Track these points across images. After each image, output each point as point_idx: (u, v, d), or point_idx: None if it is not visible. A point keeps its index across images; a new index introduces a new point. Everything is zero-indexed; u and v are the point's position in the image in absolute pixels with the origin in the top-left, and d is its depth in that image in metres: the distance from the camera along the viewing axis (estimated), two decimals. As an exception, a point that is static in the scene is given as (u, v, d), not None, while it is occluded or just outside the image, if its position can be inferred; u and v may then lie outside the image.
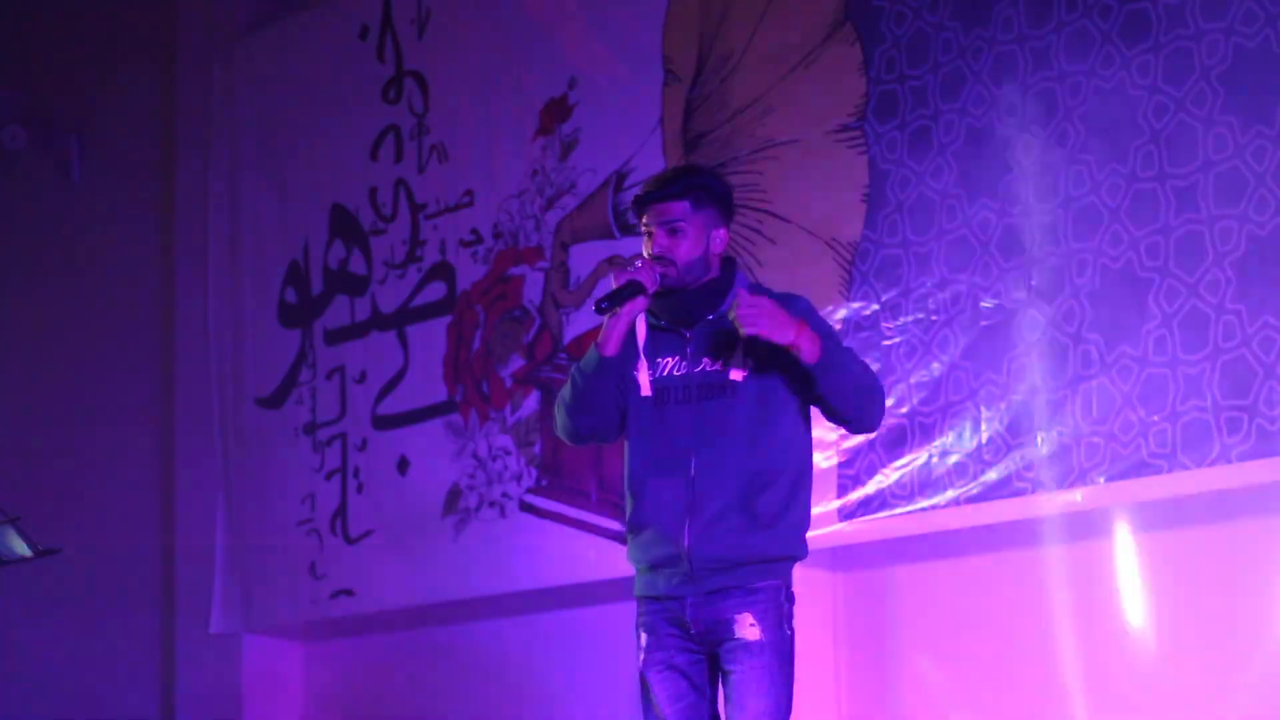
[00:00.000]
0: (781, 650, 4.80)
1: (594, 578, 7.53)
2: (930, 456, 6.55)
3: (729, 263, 4.98)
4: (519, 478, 7.75)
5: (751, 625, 4.78)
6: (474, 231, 8.04)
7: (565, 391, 4.95)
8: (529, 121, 7.86)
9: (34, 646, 9.17)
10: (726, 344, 4.86)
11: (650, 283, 4.83)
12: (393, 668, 8.45)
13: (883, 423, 6.58)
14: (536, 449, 7.71)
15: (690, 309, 4.91)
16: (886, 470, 6.62)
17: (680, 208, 4.88)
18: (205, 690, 8.81)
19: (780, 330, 4.72)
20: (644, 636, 4.92)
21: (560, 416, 4.97)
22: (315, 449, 8.52)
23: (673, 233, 4.88)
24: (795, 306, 4.85)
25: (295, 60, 8.79)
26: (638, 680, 4.95)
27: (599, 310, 4.83)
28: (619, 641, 7.65)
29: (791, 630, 4.83)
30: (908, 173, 6.69)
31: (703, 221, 4.90)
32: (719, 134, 7.19)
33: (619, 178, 7.55)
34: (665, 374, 4.91)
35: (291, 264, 8.69)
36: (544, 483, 7.68)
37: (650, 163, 7.42)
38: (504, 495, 7.78)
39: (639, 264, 4.86)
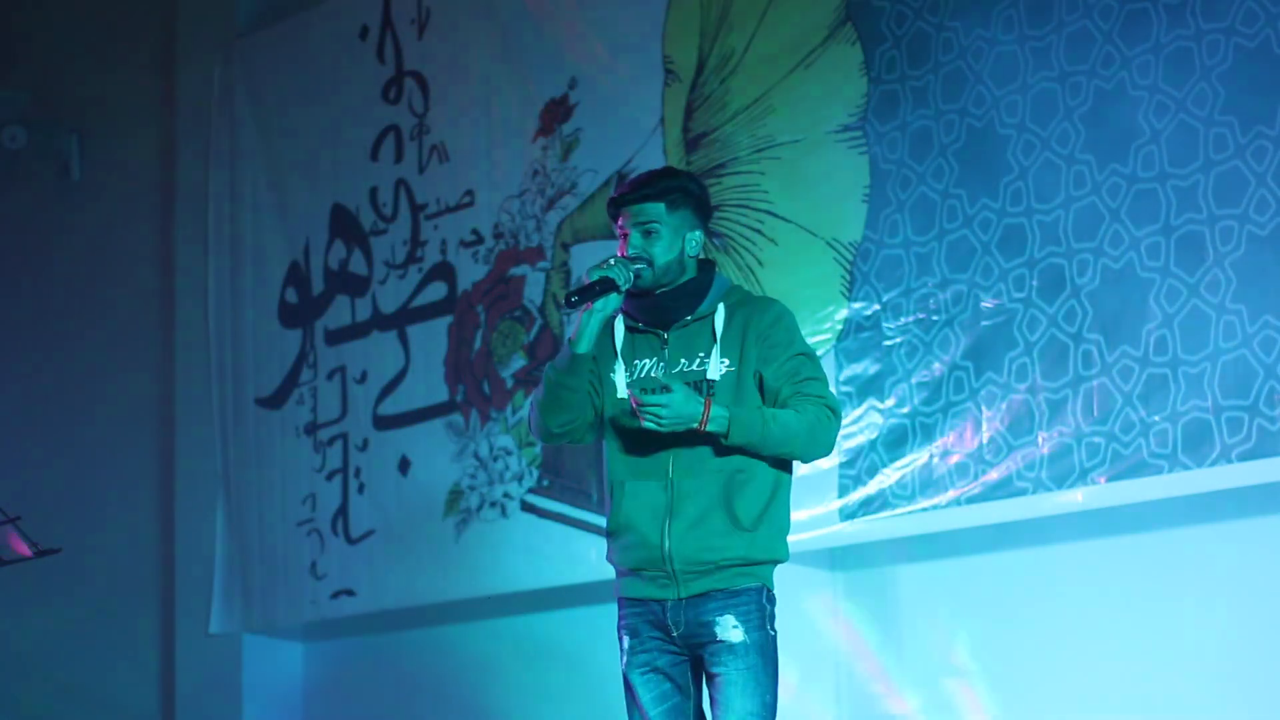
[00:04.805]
0: (766, 650, 4.78)
1: (595, 578, 7.52)
2: (931, 456, 6.55)
3: (707, 264, 4.96)
4: (520, 478, 7.75)
5: (734, 627, 4.76)
6: (475, 232, 8.04)
7: (538, 389, 4.93)
8: (530, 121, 7.86)
9: (34, 646, 9.17)
10: (703, 344, 4.85)
11: (623, 279, 4.81)
12: (393, 668, 8.45)
13: (885, 424, 6.62)
14: (538, 449, 7.71)
15: (667, 310, 4.89)
16: (887, 470, 6.62)
17: (655, 209, 4.86)
18: (205, 690, 8.80)
19: (684, 424, 4.69)
20: (626, 639, 4.93)
21: (533, 414, 4.94)
22: (316, 449, 8.51)
23: (647, 234, 4.86)
24: (764, 315, 4.85)
25: (295, 60, 8.78)
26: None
27: (568, 304, 4.80)
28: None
29: (774, 631, 4.81)
30: (908, 173, 6.69)
31: (677, 224, 4.88)
32: (719, 134, 7.19)
33: (620, 178, 7.54)
34: (643, 375, 4.89)
35: (292, 264, 8.69)
36: (545, 483, 7.68)
37: (651, 163, 7.40)
38: (505, 496, 7.78)
39: (612, 260, 4.83)
